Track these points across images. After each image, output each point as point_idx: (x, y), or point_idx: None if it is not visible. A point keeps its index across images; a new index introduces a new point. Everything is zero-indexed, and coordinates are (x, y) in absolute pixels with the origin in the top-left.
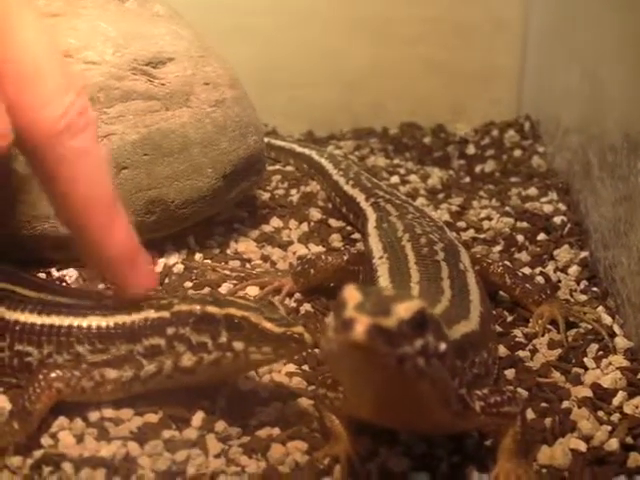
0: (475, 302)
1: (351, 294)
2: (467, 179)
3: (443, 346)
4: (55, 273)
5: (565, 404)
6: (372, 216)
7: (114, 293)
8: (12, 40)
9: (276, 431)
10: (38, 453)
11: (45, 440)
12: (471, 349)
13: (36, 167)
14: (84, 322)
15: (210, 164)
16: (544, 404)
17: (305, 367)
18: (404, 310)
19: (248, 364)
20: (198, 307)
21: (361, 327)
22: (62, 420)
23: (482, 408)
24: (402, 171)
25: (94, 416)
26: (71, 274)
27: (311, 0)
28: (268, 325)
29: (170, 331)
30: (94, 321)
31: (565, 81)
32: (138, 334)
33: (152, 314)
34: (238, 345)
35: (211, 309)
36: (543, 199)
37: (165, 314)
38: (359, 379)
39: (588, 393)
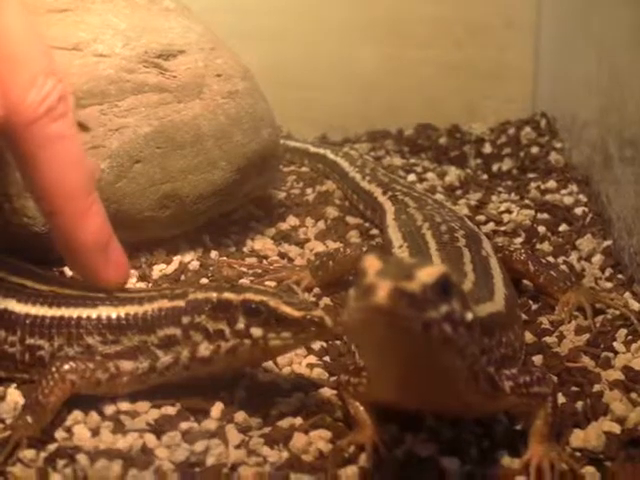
0: (499, 285)
1: (371, 262)
2: (485, 177)
3: (470, 315)
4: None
5: (596, 387)
6: (390, 209)
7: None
8: None
9: (298, 421)
10: (52, 447)
11: (59, 434)
12: (498, 328)
13: (15, 150)
14: (94, 313)
15: (224, 157)
16: (575, 388)
17: (326, 358)
18: (427, 275)
19: (267, 351)
20: (214, 294)
21: (383, 291)
22: (77, 414)
23: (511, 388)
24: (419, 169)
25: (110, 409)
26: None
27: (323, 3)
28: (287, 309)
29: (185, 320)
30: (104, 312)
31: (580, 75)
32: (152, 324)
33: (166, 303)
34: (256, 331)
35: (227, 295)
36: (563, 191)
37: (180, 303)
38: (384, 351)
39: (619, 376)
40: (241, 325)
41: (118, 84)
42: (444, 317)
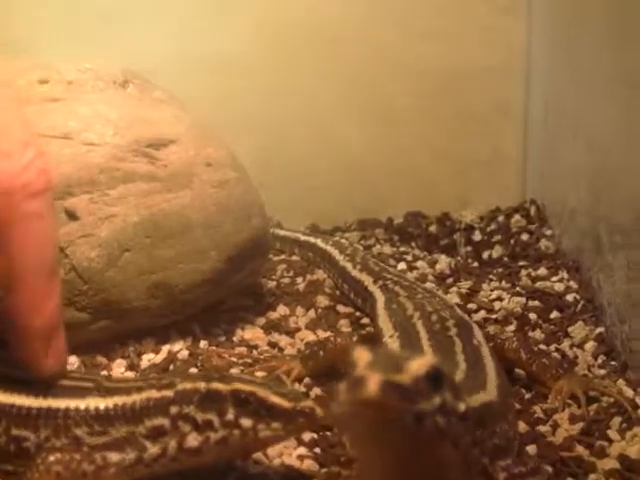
0: (491, 374)
1: (361, 355)
2: (475, 264)
3: (462, 406)
4: None
5: (592, 477)
6: (381, 298)
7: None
8: None
9: None
10: None
11: None
12: (490, 419)
13: None
14: (82, 404)
15: (213, 246)
16: (570, 478)
17: (317, 450)
18: (418, 366)
19: (257, 442)
20: (203, 384)
21: (374, 384)
22: None
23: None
24: (409, 258)
25: None
26: (72, 361)
27: (311, 93)
28: (277, 400)
29: (174, 410)
30: (92, 403)
31: (569, 162)
32: (140, 415)
33: (154, 394)
34: (246, 422)
35: (217, 385)
36: (554, 278)
37: (168, 393)
38: (375, 443)
39: (615, 465)
40: (230, 416)
41: (108, 173)
42: (436, 409)
